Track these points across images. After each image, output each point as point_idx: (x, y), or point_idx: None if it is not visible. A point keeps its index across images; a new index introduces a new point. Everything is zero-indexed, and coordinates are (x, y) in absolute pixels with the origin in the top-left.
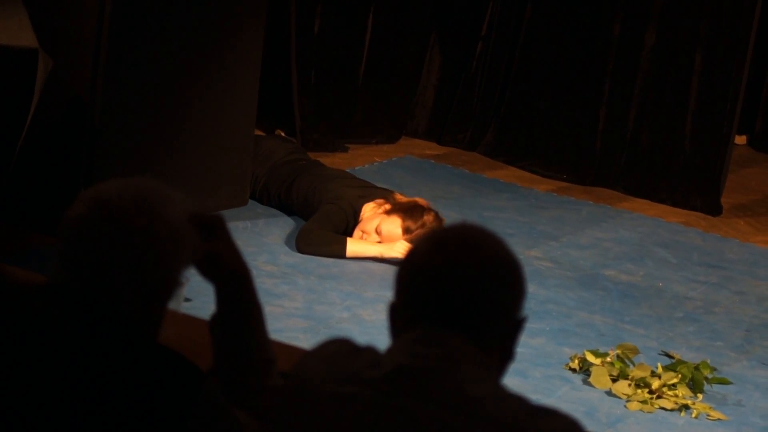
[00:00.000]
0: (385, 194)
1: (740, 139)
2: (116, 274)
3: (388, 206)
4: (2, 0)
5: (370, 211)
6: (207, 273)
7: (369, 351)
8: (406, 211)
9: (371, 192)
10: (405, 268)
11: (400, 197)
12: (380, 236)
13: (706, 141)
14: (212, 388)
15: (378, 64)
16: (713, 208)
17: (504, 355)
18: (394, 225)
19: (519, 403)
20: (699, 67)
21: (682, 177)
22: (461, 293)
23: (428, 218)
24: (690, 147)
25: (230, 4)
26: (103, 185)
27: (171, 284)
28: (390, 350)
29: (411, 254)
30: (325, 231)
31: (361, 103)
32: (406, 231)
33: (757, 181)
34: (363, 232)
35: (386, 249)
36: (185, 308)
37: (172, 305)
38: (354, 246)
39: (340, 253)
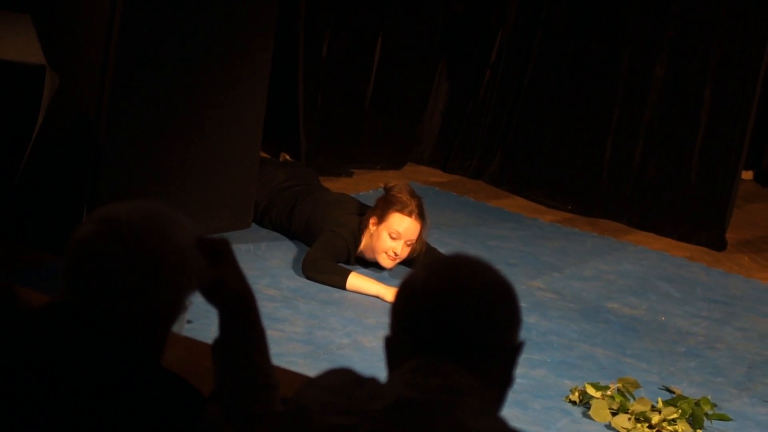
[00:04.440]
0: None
1: (747, 175)
2: (122, 296)
3: (375, 218)
4: (11, 16)
5: (368, 236)
6: (212, 297)
7: (370, 382)
8: (390, 204)
9: None
10: (400, 300)
11: (372, 209)
12: (400, 237)
13: (712, 175)
14: (213, 413)
15: (385, 89)
16: (718, 244)
17: (503, 380)
18: (398, 220)
19: None
20: (708, 101)
21: (687, 211)
22: (458, 322)
23: (398, 192)
24: (696, 181)
25: (238, 26)
26: (113, 206)
27: (176, 308)
28: (390, 381)
29: (405, 287)
30: (331, 261)
31: (367, 128)
32: (410, 214)
33: (762, 217)
34: (386, 252)
35: (386, 292)
36: (186, 330)
37: (175, 328)
38: (355, 280)
39: (340, 285)
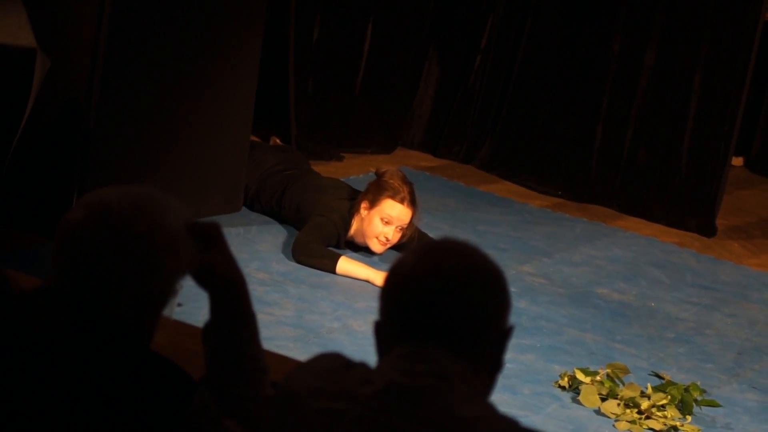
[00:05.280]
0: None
1: (737, 161)
2: (112, 281)
3: (367, 203)
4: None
5: (359, 221)
6: (202, 282)
7: (360, 367)
8: (382, 190)
9: None
10: (389, 285)
11: (363, 193)
12: (392, 222)
13: (702, 161)
14: (204, 397)
15: (376, 73)
16: (708, 230)
17: (493, 366)
18: (390, 206)
19: (510, 425)
20: (698, 88)
21: (677, 197)
22: (447, 307)
23: (390, 178)
24: (686, 167)
25: (229, 10)
26: (103, 191)
27: (166, 292)
28: (380, 367)
29: (394, 272)
30: (321, 245)
31: (357, 113)
32: (402, 200)
33: (752, 204)
34: (377, 237)
35: (376, 276)
36: (176, 313)
37: (166, 312)
38: (345, 264)
39: (330, 269)
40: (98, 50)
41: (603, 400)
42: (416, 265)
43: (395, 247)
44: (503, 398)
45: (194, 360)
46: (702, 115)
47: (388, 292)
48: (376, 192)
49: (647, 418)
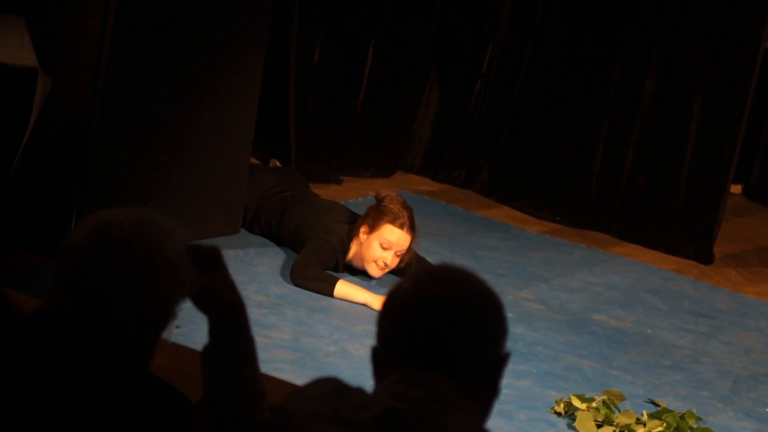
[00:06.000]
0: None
1: (735, 188)
2: (112, 303)
3: (366, 227)
4: (4, 19)
5: (358, 245)
6: (202, 305)
7: (357, 392)
8: (381, 214)
9: None
10: (386, 311)
11: (363, 217)
12: (391, 247)
13: (701, 188)
14: (201, 420)
15: (376, 96)
16: (705, 257)
17: (489, 391)
18: (389, 231)
19: None
20: (698, 114)
21: (675, 224)
22: (443, 332)
23: (390, 203)
24: (685, 194)
25: (231, 32)
26: (105, 213)
27: (166, 315)
28: (376, 392)
29: (391, 298)
30: (319, 268)
31: (357, 136)
32: (402, 226)
33: (750, 232)
34: (375, 261)
35: (373, 300)
36: (174, 335)
37: (164, 335)
38: (343, 288)
39: (328, 292)
40: (99, 71)
41: (599, 426)
42: (414, 291)
43: (393, 272)
44: (499, 424)
45: (192, 383)
46: (701, 141)
47: (385, 317)
48: (375, 217)
49: None
